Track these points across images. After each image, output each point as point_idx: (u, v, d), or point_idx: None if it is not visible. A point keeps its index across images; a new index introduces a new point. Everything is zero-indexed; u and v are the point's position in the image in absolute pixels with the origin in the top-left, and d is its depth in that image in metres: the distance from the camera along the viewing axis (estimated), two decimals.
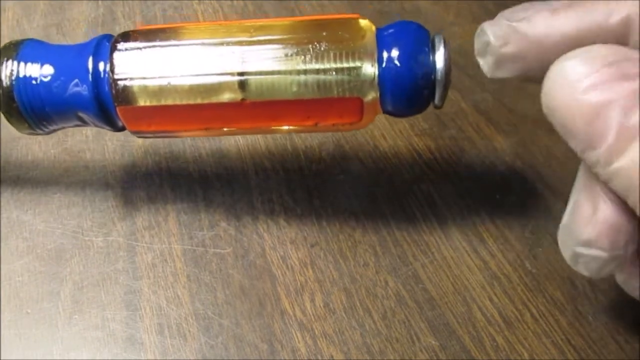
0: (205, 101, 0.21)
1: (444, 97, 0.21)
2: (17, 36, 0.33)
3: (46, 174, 0.28)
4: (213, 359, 0.23)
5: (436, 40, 0.21)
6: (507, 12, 0.19)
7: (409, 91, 0.21)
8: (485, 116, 0.29)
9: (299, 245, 0.25)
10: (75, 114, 0.23)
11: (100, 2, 0.35)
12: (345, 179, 0.28)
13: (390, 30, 0.21)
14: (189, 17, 0.35)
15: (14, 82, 0.22)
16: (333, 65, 0.20)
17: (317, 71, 0.21)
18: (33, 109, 0.22)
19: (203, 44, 0.21)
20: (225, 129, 0.23)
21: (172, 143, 0.29)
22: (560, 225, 0.19)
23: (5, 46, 0.23)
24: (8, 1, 0.35)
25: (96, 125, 0.23)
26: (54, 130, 0.24)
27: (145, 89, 0.21)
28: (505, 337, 0.23)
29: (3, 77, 0.22)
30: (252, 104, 0.21)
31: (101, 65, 0.22)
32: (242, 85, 0.21)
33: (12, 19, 0.34)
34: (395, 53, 0.20)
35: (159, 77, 0.21)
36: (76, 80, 0.22)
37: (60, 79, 0.22)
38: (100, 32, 0.34)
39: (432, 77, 0.20)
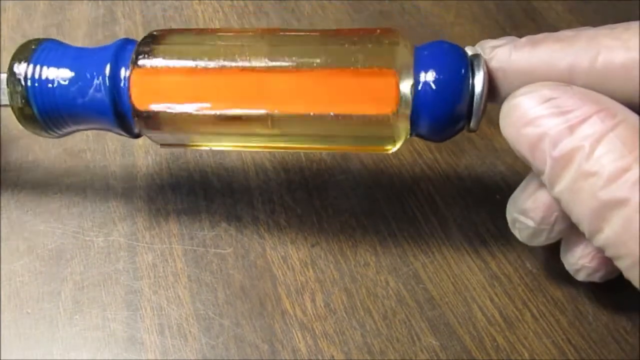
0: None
1: (479, 121, 0.19)
2: (17, 36, 0.33)
3: (46, 174, 0.28)
4: (214, 359, 0.23)
5: (475, 62, 0.19)
6: (484, 42, 0.20)
7: (445, 117, 0.19)
8: (486, 116, 0.29)
9: (300, 245, 0.25)
10: (91, 120, 0.22)
11: (100, 2, 0.35)
12: (345, 179, 0.28)
13: (426, 52, 0.19)
14: (189, 17, 0.35)
15: (29, 84, 0.21)
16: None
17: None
18: (47, 112, 0.21)
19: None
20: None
21: None
22: (511, 196, 0.21)
23: (22, 46, 0.22)
24: (8, 1, 0.35)
25: (111, 131, 0.22)
26: (67, 134, 0.23)
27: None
28: (505, 337, 0.23)
29: (18, 78, 0.21)
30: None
31: (122, 73, 0.21)
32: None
33: (12, 19, 0.34)
34: (432, 76, 0.19)
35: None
36: (95, 86, 0.21)
37: (77, 83, 0.21)
38: (100, 32, 0.34)
39: (470, 101, 0.19)
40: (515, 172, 0.28)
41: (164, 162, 0.28)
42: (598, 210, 0.16)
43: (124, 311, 0.24)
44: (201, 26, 0.34)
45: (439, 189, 0.27)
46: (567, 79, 0.18)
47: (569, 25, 0.33)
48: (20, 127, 0.29)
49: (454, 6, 0.35)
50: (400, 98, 0.19)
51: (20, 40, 0.33)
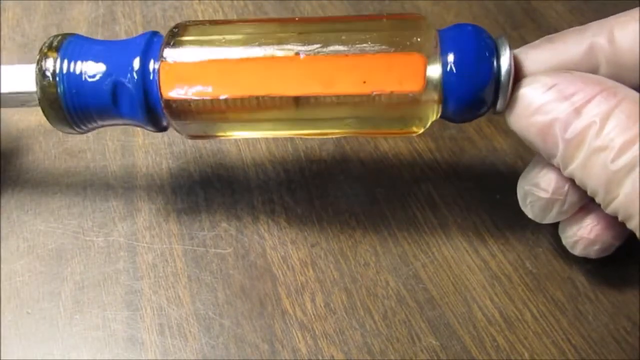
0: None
1: (506, 102, 0.20)
2: (17, 36, 0.33)
3: (47, 174, 0.28)
4: (214, 359, 0.23)
5: (499, 43, 0.20)
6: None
7: (474, 96, 0.20)
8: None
9: (300, 245, 0.25)
10: (118, 115, 0.22)
11: (100, 2, 0.35)
12: (345, 179, 0.28)
13: (453, 33, 0.20)
14: (189, 17, 0.35)
15: (58, 79, 0.21)
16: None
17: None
18: (75, 107, 0.21)
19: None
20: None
21: (173, 143, 0.29)
22: (521, 175, 0.22)
23: (49, 41, 0.22)
24: (8, 1, 0.35)
25: (136, 126, 0.23)
26: (91, 130, 0.23)
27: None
28: (505, 337, 0.23)
29: (47, 73, 0.21)
30: (306, 58, 0.20)
31: (151, 66, 0.21)
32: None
33: (12, 19, 0.34)
34: (460, 57, 0.19)
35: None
36: (125, 80, 0.21)
37: (108, 78, 0.21)
38: (100, 32, 0.34)
39: (497, 82, 0.19)
40: (515, 172, 0.27)
41: (164, 162, 0.28)
42: (612, 179, 0.17)
43: (124, 311, 0.24)
44: None
45: (439, 189, 0.27)
46: (590, 64, 0.19)
47: (569, 25, 0.33)
48: (20, 127, 0.29)
49: (454, 6, 0.35)
50: (427, 77, 0.19)
51: (20, 40, 0.33)
